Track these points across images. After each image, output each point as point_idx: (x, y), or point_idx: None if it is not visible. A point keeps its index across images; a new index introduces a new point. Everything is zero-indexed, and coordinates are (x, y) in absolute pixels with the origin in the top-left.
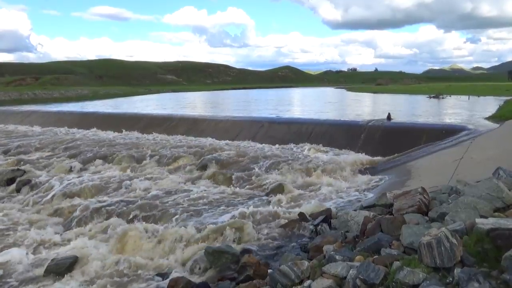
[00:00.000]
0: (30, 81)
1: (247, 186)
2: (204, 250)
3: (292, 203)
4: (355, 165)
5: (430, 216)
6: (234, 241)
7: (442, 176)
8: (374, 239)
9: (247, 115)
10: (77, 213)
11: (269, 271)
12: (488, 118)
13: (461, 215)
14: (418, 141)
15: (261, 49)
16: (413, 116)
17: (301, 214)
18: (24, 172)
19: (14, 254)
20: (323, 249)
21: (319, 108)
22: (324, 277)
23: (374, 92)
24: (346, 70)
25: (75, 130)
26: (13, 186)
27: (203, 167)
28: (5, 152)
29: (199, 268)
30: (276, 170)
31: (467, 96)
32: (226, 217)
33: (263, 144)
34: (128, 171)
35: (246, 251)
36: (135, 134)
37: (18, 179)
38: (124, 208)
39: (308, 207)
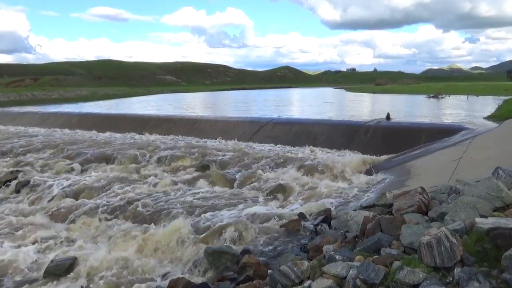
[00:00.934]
0: (29, 82)
1: (247, 187)
2: (204, 251)
3: (292, 203)
4: (355, 165)
5: (429, 215)
6: (234, 241)
7: (441, 175)
8: (374, 239)
9: (247, 115)
10: (76, 214)
11: (269, 271)
12: (487, 118)
13: (461, 214)
14: (418, 141)
15: (260, 50)
16: (412, 116)
17: (300, 214)
18: (24, 173)
19: (14, 255)
20: (323, 249)
21: (318, 109)
22: (324, 277)
23: (373, 92)
24: (345, 70)
25: (74, 131)
26: (12, 187)
27: (203, 168)
28: (4, 153)
29: (199, 269)
30: (276, 170)
31: (466, 96)
32: (226, 218)
33: (263, 145)
34: (128, 171)
35: (246, 251)
36: (135, 135)
37: (17, 180)
38: (124, 209)
39: (307, 207)
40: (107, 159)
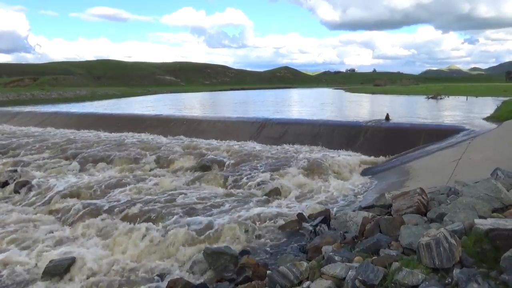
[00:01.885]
0: (28, 82)
1: (246, 187)
2: (202, 251)
3: (291, 204)
4: (354, 166)
5: (428, 216)
6: (233, 242)
7: (440, 176)
8: (373, 239)
9: (246, 115)
10: (75, 214)
11: (268, 272)
12: (486, 119)
13: (460, 215)
14: (417, 141)
15: (260, 50)
16: (411, 117)
17: (299, 215)
18: (23, 173)
19: (12, 256)
20: (322, 249)
21: (318, 109)
22: (323, 278)
23: (372, 93)
24: (344, 71)
25: (73, 130)
26: (11, 187)
27: (202, 168)
28: (3, 153)
29: (198, 269)
30: (275, 171)
31: (465, 97)
32: (224, 218)
33: (262, 145)
34: (127, 172)
35: (245, 252)
36: (134, 135)
37: (16, 180)
38: (123, 209)
39: (306, 207)
40: (106, 159)
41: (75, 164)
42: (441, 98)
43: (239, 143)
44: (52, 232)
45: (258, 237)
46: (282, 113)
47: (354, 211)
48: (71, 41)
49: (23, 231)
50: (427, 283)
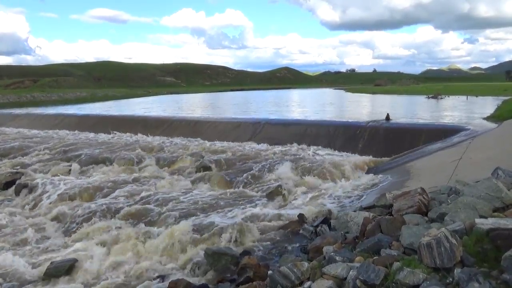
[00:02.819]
0: (29, 83)
1: (247, 188)
2: (203, 252)
3: (292, 204)
4: (354, 166)
5: (429, 216)
6: (234, 242)
7: (441, 176)
8: (374, 239)
9: (246, 116)
10: (76, 215)
11: (269, 272)
12: (487, 118)
13: (461, 215)
14: (417, 141)
15: (260, 51)
16: (412, 117)
17: (300, 215)
18: (23, 175)
19: (13, 257)
20: (323, 250)
21: (318, 109)
22: (324, 278)
23: (373, 93)
24: (344, 71)
25: (73, 132)
26: (12, 189)
27: (202, 169)
28: (3, 155)
29: (199, 270)
30: (276, 171)
31: (465, 96)
32: (225, 219)
33: (263, 145)
34: (127, 173)
35: (245, 252)
36: (134, 136)
37: (16, 182)
38: (123, 210)
39: (307, 208)
40: (107, 161)
41: (76, 166)
42: (441, 98)
43: (239, 143)
44: (52, 234)
45: (259, 237)
46: (282, 113)
47: (355, 211)
48: (71, 43)
49: (24, 233)
50: (428, 282)
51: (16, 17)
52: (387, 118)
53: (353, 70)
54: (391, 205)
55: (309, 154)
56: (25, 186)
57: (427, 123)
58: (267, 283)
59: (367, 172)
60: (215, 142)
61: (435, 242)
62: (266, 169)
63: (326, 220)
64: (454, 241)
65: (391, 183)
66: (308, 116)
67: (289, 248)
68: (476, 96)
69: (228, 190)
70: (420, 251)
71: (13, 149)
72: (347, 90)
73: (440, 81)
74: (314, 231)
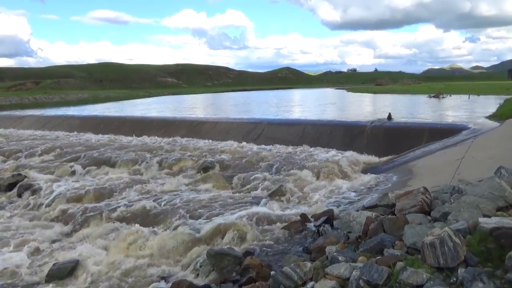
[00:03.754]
0: (30, 85)
1: (248, 188)
2: (206, 253)
3: (294, 204)
4: (357, 166)
5: (432, 215)
6: (236, 243)
7: (443, 175)
8: (377, 239)
9: (248, 116)
10: (78, 217)
11: (271, 272)
12: (489, 117)
13: (464, 214)
14: (419, 140)
15: (261, 51)
16: (413, 116)
17: (303, 215)
18: (25, 176)
19: (16, 259)
20: (325, 250)
21: (320, 109)
22: (327, 278)
23: (374, 93)
24: (346, 71)
25: (76, 133)
26: (14, 191)
27: (204, 169)
28: (6, 157)
29: (202, 271)
30: (278, 171)
31: (467, 95)
32: (228, 219)
33: (264, 146)
34: (129, 174)
35: (248, 253)
36: (136, 137)
37: (19, 183)
38: (126, 211)
39: (309, 208)
40: (109, 162)
41: (78, 167)
42: (443, 97)
43: (241, 144)
44: (55, 235)
45: (262, 238)
46: (285, 113)
47: (357, 211)
48: (73, 44)
49: (26, 234)
50: (431, 282)
51: (18, 19)
52: (389, 117)
53: (354, 70)
54: (393, 205)
55: (310, 154)
56: (27, 187)
57: (429, 122)
58: (269, 284)
59: (369, 172)
60: (217, 142)
61: (439, 241)
62: (267, 169)
63: (328, 220)
64: (457, 240)
65: (393, 182)
66: (310, 116)
67: (292, 248)
68: (478, 95)
69: (230, 190)
70: (423, 251)
71: (16, 150)
72: (349, 90)
73: (441, 80)
74: (316, 231)
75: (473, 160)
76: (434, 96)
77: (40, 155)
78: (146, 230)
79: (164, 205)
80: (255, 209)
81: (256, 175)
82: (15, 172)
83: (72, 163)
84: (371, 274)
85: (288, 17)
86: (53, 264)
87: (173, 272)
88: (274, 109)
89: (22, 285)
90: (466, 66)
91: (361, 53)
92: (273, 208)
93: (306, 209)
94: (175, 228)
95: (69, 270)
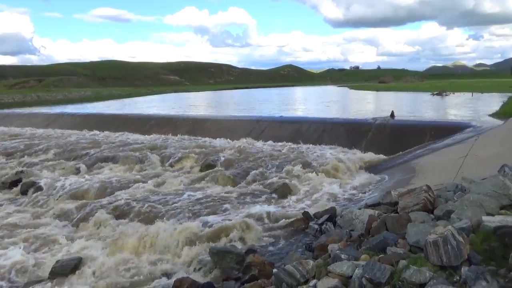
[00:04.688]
0: (34, 83)
1: (251, 186)
2: (208, 250)
3: (297, 202)
4: (360, 164)
5: (435, 214)
6: (238, 240)
7: (447, 173)
8: (380, 237)
9: (251, 114)
10: (82, 214)
11: (274, 270)
12: (492, 115)
13: (467, 213)
14: (422, 138)
15: (263, 49)
16: (417, 114)
17: (305, 213)
18: (29, 174)
19: (19, 256)
20: (328, 248)
21: (323, 106)
22: (330, 277)
23: (377, 90)
24: (348, 68)
25: (79, 131)
26: (18, 188)
27: (207, 167)
28: (10, 154)
29: (204, 268)
30: (280, 169)
31: (471, 93)
32: (230, 217)
33: (267, 143)
34: (133, 172)
35: (250, 250)
36: (139, 135)
37: (22, 181)
38: (129, 209)
39: (312, 206)
40: (112, 159)
41: (81, 165)
42: (446, 95)
43: (244, 141)
44: (58, 232)
45: (264, 235)
46: (289, 111)
47: (360, 209)
48: (76, 42)
49: (30, 231)
50: (434, 281)
51: (21, 17)
52: (392, 115)
53: (357, 67)
54: (396, 203)
55: (314, 151)
56: (31, 185)
57: (432, 120)
58: (272, 281)
59: (372, 170)
60: (220, 140)
61: (442, 240)
62: (270, 167)
63: (331, 218)
64: (461, 239)
65: (396, 180)
66: (313, 114)
67: (294, 246)
68: (482, 93)
69: (232, 188)
70: (426, 249)
71: (20, 148)
72: (351, 88)
73: (445, 78)
74: (319, 229)
75: (476, 158)
76: (437, 94)
77: (43, 152)
78: (148, 227)
79: (167, 202)
80: (257, 207)
81: (259, 172)
82: (18, 170)
83: (75, 161)
84: (373, 273)
85: (290, 15)
86: (56, 261)
87: (175, 270)
88: (277, 106)
89: (26, 282)
90: (469, 64)
91: (364, 50)
92: (276, 206)
93: (308, 207)
94: (178, 225)
95: (72, 267)
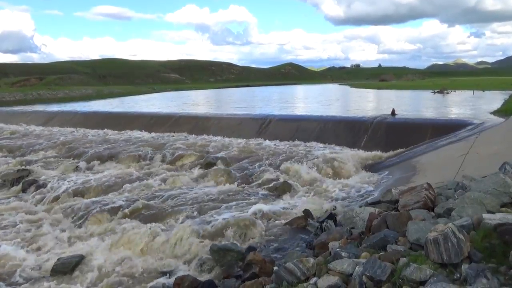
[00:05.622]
0: (35, 81)
1: (252, 184)
2: (209, 248)
3: (297, 200)
4: (360, 162)
5: (436, 212)
6: (239, 238)
7: (447, 171)
8: (380, 235)
9: (251, 112)
10: (83, 212)
11: (274, 268)
12: (494, 113)
13: (468, 210)
14: (423, 136)
15: (264, 47)
16: (418, 112)
17: (306, 211)
18: (30, 172)
19: (20, 253)
20: (328, 246)
21: (324, 105)
22: (330, 274)
23: (378, 88)
24: (349, 66)
25: (79, 129)
26: (19, 186)
27: (208, 165)
28: (11, 152)
29: (205, 266)
30: (281, 167)
31: (472, 91)
32: (231, 215)
33: (268, 141)
34: (133, 169)
35: (251, 248)
36: (140, 133)
37: (24, 179)
38: (130, 206)
39: (313, 204)
40: (113, 157)
41: (82, 162)
42: (447, 93)
43: (245, 139)
44: (60, 230)
45: (265, 233)
46: (289, 109)
47: (360, 207)
48: (77, 40)
49: (31, 230)
50: (435, 278)
51: (21, 15)
52: (393, 113)
53: (358, 65)
54: (397, 201)
55: (314, 150)
56: (32, 183)
57: (433, 118)
58: (272, 279)
59: (373, 168)
60: (220, 138)
61: (442, 237)
62: (271, 165)
63: (331, 216)
64: (461, 236)
65: (396, 178)
66: (314, 112)
67: (295, 244)
68: (483, 91)
69: (233, 186)
70: (426, 247)
71: (21, 146)
72: (352, 86)
73: (446, 76)
74: (319, 226)
75: (477, 156)
76: (438, 92)
77: (45, 150)
78: (149, 225)
79: (168, 200)
80: (258, 205)
81: (260, 170)
82: (19, 167)
83: (76, 159)
84: (374, 270)
85: (291, 13)
86: (58, 259)
87: (176, 268)
88: (279, 104)
89: (27, 280)
90: (471, 61)
91: (365, 48)
92: (276, 204)
93: (309, 205)
94: (178, 223)
95: (73, 265)
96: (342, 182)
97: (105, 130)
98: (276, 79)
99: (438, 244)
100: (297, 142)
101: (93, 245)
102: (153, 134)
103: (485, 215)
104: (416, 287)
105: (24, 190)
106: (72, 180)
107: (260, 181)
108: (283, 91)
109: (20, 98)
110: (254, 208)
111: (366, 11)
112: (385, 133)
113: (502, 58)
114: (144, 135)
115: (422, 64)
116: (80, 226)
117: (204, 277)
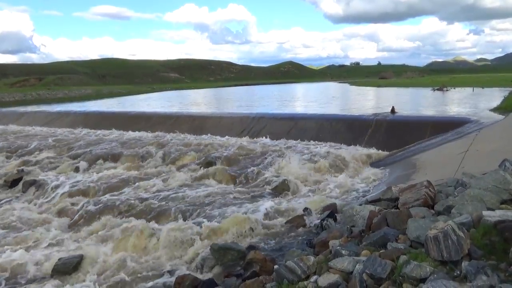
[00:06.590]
0: (34, 81)
1: (252, 183)
2: (210, 247)
3: (297, 199)
4: (360, 160)
5: (436, 209)
6: (239, 237)
7: (447, 169)
8: (380, 233)
9: (252, 111)
10: (83, 212)
11: (275, 267)
12: (493, 110)
13: (468, 207)
14: (423, 134)
15: (263, 45)
16: (417, 109)
17: (306, 210)
18: (30, 172)
19: (21, 254)
20: (329, 244)
21: (324, 102)
22: (331, 272)
23: (378, 86)
24: (349, 64)
25: (79, 129)
26: (19, 186)
27: (208, 164)
28: (11, 153)
29: (206, 265)
30: (281, 166)
31: (471, 88)
32: (231, 214)
33: (267, 140)
34: (133, 169)
35: (252, 247)
36: (139, 132)
37: (23, 179)
38: (130, 206)
39: (313, 202)
40: (113, 157)
41: (82, 163)
42: (447, 90)
43: (244, 138)
44: (60, 230)
45: (265, 232)
46: (290, 107)
47: (360, 205)
48: (76, 40)
49: (31, 230)
50: (435, 276)
51: (20, 16)
52: (393, 111)
53: (357, 63)
54: (397, 198)
55: (314, 148)
56: (32, 183)
57: (433, 116)
58: (273, 278)
59: (372, 166)
60: (220, 137)
61: (442, 235)
62: (271, 164)
63: (331, 214)
64: (461, 233)
65: (396, 176)
66: (314, 110)
67: (295, 242)
68: (483, 88)
69: (233, 185)
70: (427, 244)
71: (20, 147)
72: (352, 84)
73: (445, 73)
74: (320, 225)
75: (477, 153)
76: (438, 89)
77: (44, 150)
78: (150, 225)
79: (168, 200)
80: (258, 203)
81: (260, 169)
82: (19, 168)
83: (76, 159)
84: (374, 268)
85: (290, 11)
86: (58, 259)
87: (177, 267)
88: (278, 103)
89: (28, 280)
90: (470, 59)
91: (364, 46)
92: (276, 203)
93: (309, 203)
94: (179, 222)
95: (74, 264)
96: (343, 180)
97: (105, 130)
98: (275, 78)
99: (438, 242)
100: (296, 140)
101: (94, 244)
102: (153, 133)
103: (485, 212)
104: (417, 284)
105: (24, 191)
106: (72, 180)
107: (259, 180)
108: (283, 90)
109: (19, 99)
110: (254, 206)
111: (365, 9)
112: (385, 131)
113: (501, 55)
114: (144, 135)
115: (422, 61)
116: (80, 226)
117: (204, 276)
